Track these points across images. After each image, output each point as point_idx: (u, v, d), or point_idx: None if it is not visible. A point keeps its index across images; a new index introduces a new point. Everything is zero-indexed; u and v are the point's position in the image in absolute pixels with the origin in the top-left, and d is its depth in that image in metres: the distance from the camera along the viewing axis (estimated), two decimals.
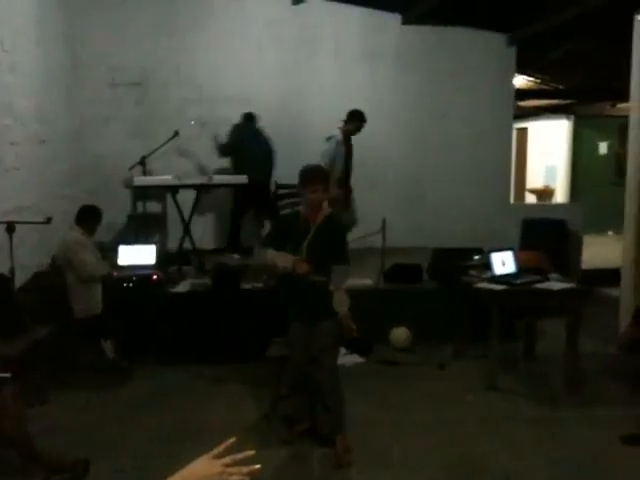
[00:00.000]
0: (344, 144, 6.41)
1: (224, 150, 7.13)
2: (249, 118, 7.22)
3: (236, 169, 6.99)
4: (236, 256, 6.74)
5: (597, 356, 5.46)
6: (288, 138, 7.78)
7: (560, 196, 13.71)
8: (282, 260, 3.73)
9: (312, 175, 3.79)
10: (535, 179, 14.63)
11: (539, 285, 4.86)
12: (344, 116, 6.42)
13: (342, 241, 3.85)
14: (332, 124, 7.80)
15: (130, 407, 4.51)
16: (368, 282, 6.01)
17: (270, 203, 7.25)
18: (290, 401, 4.08)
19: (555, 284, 4.88)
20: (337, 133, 6.34)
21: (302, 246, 3.75)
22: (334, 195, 6.08)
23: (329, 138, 6.32)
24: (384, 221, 5.87)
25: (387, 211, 6.61)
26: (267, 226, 7.30)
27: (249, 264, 6.04)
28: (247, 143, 6.98)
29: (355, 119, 6.36)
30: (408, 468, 3.67)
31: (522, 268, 5.07)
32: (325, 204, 3.93)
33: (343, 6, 7.97)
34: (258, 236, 7.29)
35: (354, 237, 5.54)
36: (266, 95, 7.84)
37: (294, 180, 3.98)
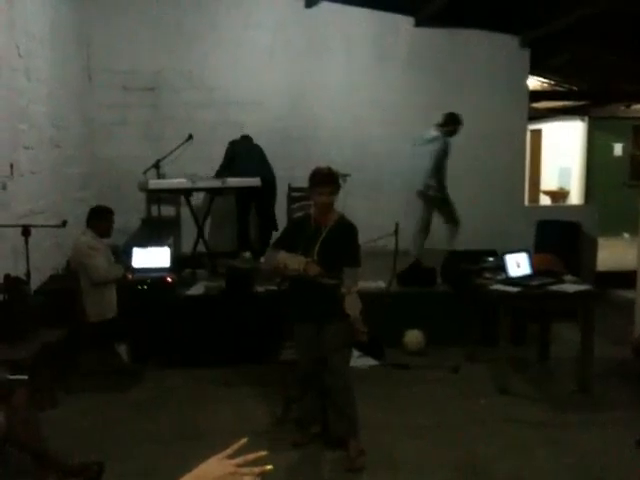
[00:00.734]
0: None
1: (217, 173, 7.19)
2: (244, 137, 7.31)
3: None
4: (247, 254, 6.76)
5: (609, 359, 5.40)
6: (299, 141, 7.80)
7: (574, 198, 13.61)
8: (293, 262, 3.73)
9: (321, 177, 3.78)
10: (549, 181, 14.54)
11: (554, 287, 4.82)
12: (441, 119, 6.40)
13: (354, 244, 3.83)
14: (344, 126, 7.85)
15: (140, 409, 4.52)
16: (381, 285, 6.00)
17: (268, 209, 7.29)
18: (301, 403, 4.08)
19: (570, 286, 4.84)
20: (436, 134, 6.32)
21: (313, 248, 3.75)
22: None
23: (432, 139, 6.30)
24: (397, 225, 5.85)
25: (400, 214, 6.61)
26: (265, 229, 7.30)
27: (260, 267, 6.04)
28: (239, 156, 7.06)
29: (453, 122, 6.37)
30: (419, 471, 3.66)
31: (536, 270, 5.04)
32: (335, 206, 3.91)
33: (355, 9, 7.97)
34: (259, 239, 7.31)
35: (366, 239, 5.52)
36: (278, 98, 7.87)
37: (306, 183, 3.97)
